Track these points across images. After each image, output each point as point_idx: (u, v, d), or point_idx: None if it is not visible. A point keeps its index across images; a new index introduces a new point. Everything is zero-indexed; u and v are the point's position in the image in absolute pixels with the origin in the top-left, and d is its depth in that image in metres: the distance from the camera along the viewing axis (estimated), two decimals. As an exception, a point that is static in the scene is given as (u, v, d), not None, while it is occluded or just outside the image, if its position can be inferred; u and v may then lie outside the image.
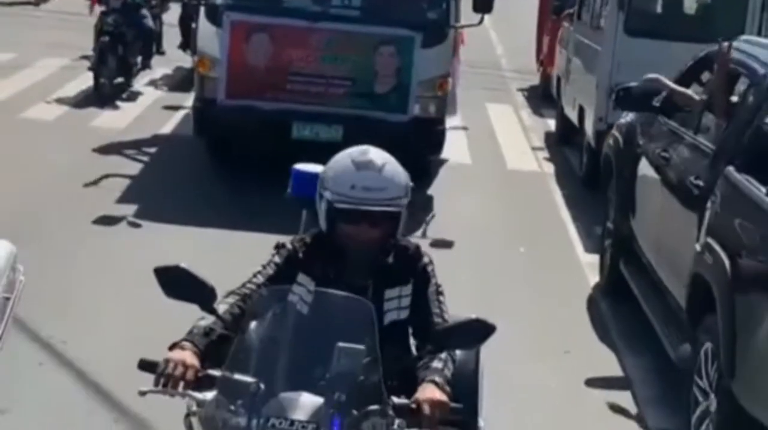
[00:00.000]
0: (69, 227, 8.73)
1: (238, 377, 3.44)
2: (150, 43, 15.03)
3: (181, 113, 13.09)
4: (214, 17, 10.40)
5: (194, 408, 3.60)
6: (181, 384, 3.50)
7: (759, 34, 10.28)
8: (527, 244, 9.41)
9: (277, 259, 3.93)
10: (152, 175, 10.68)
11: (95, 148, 11.30)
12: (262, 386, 3.39)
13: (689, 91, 7.47)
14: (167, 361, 3.52)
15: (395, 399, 3.50)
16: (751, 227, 5.59)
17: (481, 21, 10.60)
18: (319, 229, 3.94)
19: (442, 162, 11.61)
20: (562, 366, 6.93)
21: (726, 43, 6.77)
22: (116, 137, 11.81)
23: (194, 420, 3.62)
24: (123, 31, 13.97)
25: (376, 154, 3.86)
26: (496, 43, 22.65)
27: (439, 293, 3.96)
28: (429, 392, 3.55)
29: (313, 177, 4.10)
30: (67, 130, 12.11)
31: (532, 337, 7.25)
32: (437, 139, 10.57)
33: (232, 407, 3.42)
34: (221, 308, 3.72)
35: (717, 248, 5.68)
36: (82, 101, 13.58)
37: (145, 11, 14.68)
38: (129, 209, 9.32)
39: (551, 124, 14.58)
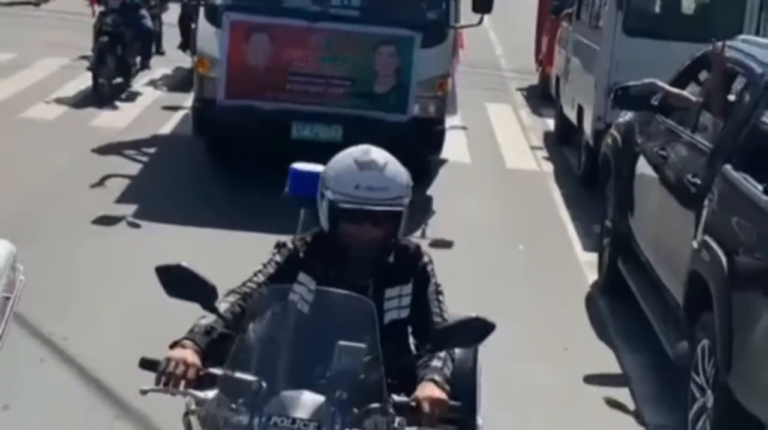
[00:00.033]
0: (69, 226, 8.73)
1: (239, 375, 3.44)
2: (149, 44, 15.00)
3: (180, 113, 13.08)
4: (213, 17, 10.38)
5: (193, 407, 3.61)
6: (183, 383, 3.50)
7: (757, 33, 10.30)
8: (526, 243, 9.42)
9: (278, 258, 3.93)
10: (152, 175, 10.68)
11: (95, 148, 11.30)
12: (264, 384, 3.40)
13: (685, 93, 7.49)
14: (168, 359, 3.53)
15: (395, 397, 3.52)
16: (747, 225, 5.61)
17: (480, 21, 10.58)
18: (320, 228, 3.93)
19: (442, 162, 11.61)
20: (561, 364, 6.94)
21: (720, 43, 6.80)
22: (116, 137, 11.81)
23: (193, 419, 3.62)
24: (122, 31, 13.94)
25: (378, 154, 3.86)
26: (495, 43, 22.66)
27: (439, 292, 3.97)
28: (428, 390, 3.57)
29: (311, 176, 4.10)
30: (67, 130, 12.11)
31: (531, 335, 7.27)
32: (437, 139, 10.57)
33: (234, 406, 3.42)
34: (222, 306, 3.72)
35: (714, 245, 5.70)
36: (82, 101, 13.57)
37: (144, 11, 14.66)
38: (128, 209, 9.32)
39: (550, 123, 14.59)
